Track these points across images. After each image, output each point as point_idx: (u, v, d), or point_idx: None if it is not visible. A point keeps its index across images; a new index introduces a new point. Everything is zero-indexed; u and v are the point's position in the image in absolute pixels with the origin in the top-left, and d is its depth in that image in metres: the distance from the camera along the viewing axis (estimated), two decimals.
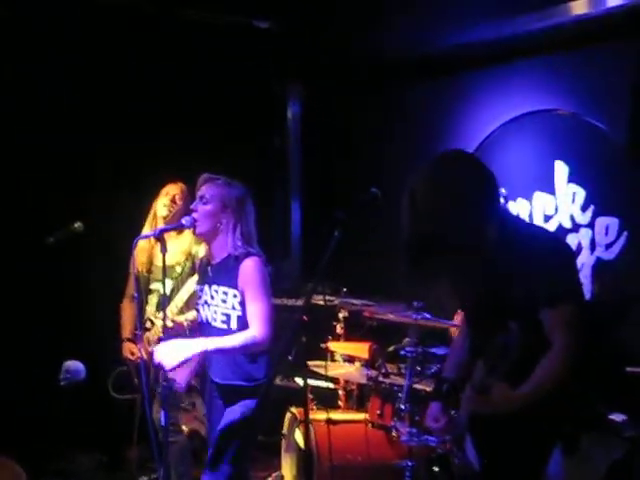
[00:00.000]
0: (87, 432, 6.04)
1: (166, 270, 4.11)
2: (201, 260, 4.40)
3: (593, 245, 5.21)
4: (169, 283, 5.04)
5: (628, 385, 4.09)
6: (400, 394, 4.77)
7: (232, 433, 3.90)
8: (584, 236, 5.25)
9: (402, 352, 4.86)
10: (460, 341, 3.53)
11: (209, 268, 4.14)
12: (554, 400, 2.90)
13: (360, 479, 4.87)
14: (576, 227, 5.31)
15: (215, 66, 6.57)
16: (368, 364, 5.29)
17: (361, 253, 6.36)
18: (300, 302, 5.86)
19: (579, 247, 5.26)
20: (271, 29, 6.66)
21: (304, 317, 3.50)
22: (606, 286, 5.14)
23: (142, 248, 5.17)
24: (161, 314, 4.66)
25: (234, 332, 3.95)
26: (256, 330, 3.88)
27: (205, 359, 4.19)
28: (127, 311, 5.27)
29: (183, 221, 4.13)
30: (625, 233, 5.02)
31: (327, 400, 5.63)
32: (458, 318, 5.08)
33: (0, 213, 5.89)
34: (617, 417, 3.98)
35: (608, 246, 5.14)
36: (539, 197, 5.54)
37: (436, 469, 4.71)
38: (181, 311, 4.96)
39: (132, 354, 5.09)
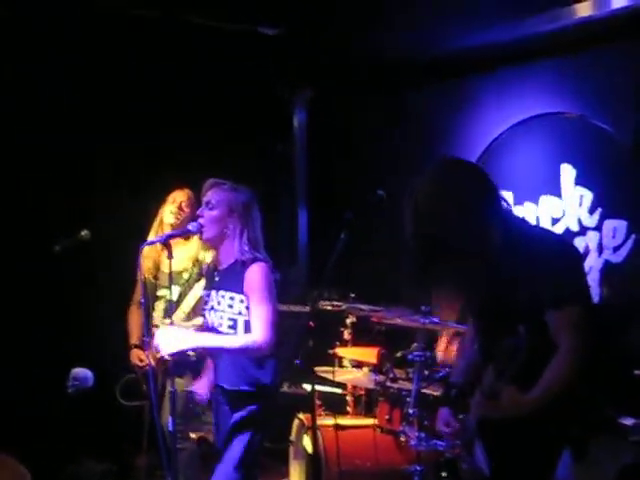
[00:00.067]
0: (96, 439, 6.02)
1: (173, 276, 4.11)
2: (208, 266, 4.40)
3: (601, 248, 5.19)
4: (176, 289, 5.04)
5: (637, 388, 4.07)
6: (408, 399, 4.76)
7: (239, 439, 3.89)
8: (592, 239, 5.24)
9: (410, 357, 4.85)
10: (467, 345, 3.52)
11: (216, 273, 4.14)
12: (562, 403, 2.89)
13: None
14: (583, 230, 5.29)
15: (216, 67, 6.56)
16: (376, 369, 5.27)
17: (368, 257, 6.37)
18: (307, 308, 5.85)
19: (587, 250, 5.24)
20: (277, 35, 6.65)
21: (311, 323, 3.51)
22: (614, 289, 5.12)
23: (148, 254, 5.16)
24: (168, 320, 4.65)
25: None
26: (257, 334, 3.88)
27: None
28: (134, 317, 5.26)
29: (190, 227, 4.13)
30: (633, 236, 5.00)
31: (335, 406, 5.61)
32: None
33: (0, 213, 5.89)
34: (627, 421, 3.96)
35: (616, 249, 5.12)
36: (546, 200, 5.52)
37: (444, 474, 4.70)
38: (188, 317, 4.96)
39: (140, 361, 5.09)
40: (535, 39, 5.29)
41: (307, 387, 5.32)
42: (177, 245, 5.03)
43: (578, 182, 5.33)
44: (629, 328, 4.50)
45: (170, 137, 6.48)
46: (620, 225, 5.09)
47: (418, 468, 4.60)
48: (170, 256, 4.00)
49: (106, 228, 5.84)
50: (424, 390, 4.77)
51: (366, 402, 5.61)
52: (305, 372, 3.55)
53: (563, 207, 5.42)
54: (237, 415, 3.97)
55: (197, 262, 5.13)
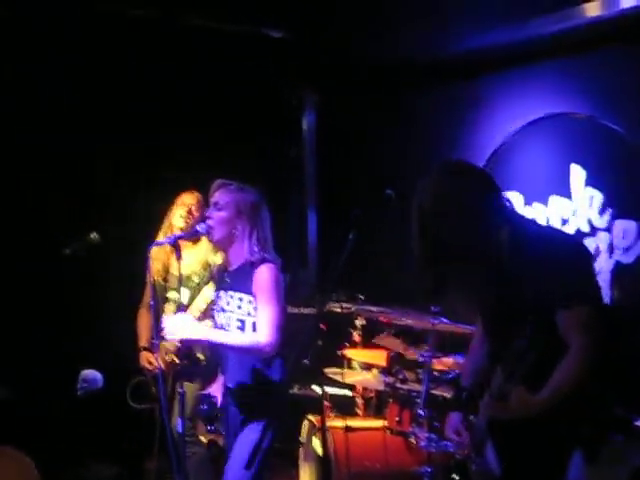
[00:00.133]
0: (106, 442, 6.02)
1: (182, 278, 4.11)
2: (218, 267, 4.40)
3: (611, 249, 5.17)
4: (186, 292, 5.04)
5: None
6: (418, 400, 4.75)
7: (248, 439, 3.88)
8: (602, 240, 5.21)
9: (419, 357, 4.84)
10: (476, 348, 3.50)
11: (226, 274, 4.14)
12: (572, 403, 2.88)
13: None
14: (594, 231, 5.27)
15: (217, 67, 6.57)
16: (386, 371, 5.26)
17: (377, 259, 6.37)
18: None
19: (597, 251, 5.22)
20: (283, 37, 6.65)
21: (322, 325, 3.51)
22: (625, 290, 5.10)
23: (157, 256, 5.16)
24: None
25: None
26: (262, 335, 3.87)
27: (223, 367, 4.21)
28: (144, 320, 5.27)
29: (198, 228, 4.12)
30: None
31: (345, 408, 5.60)
32: None
33: (0, 213, 5.89)
34: (639, 422, 3.94)
35: (626, 250, 5.10)
36: (555, 201, 5.50)
37: (455, 477, 4.68)
38: (198, 320, 4.95)
39: (149, 363, 5.09)
40: (543, 39, 5.28)
41: (317, 389, 5.33)
42: (186, 248, 5.04)
43: (588, 183, 5.31)
44: None
45: (170, 137, 6.48)
46: (630, 226, 5.06)
47: (428, 469, 4.59)
48: (179, 257, 4.00)
49: (106, 228, 5.82)
50: (434, 391, 4.76)
51: (376, 404, 5.61)
52: (314, 373, 3.55)
53: (573, 208, 5.40)
54: (246, 418, 3.98)
55: (207, 265, 5.12)
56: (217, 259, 4.88)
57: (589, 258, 3.18)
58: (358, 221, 3.30)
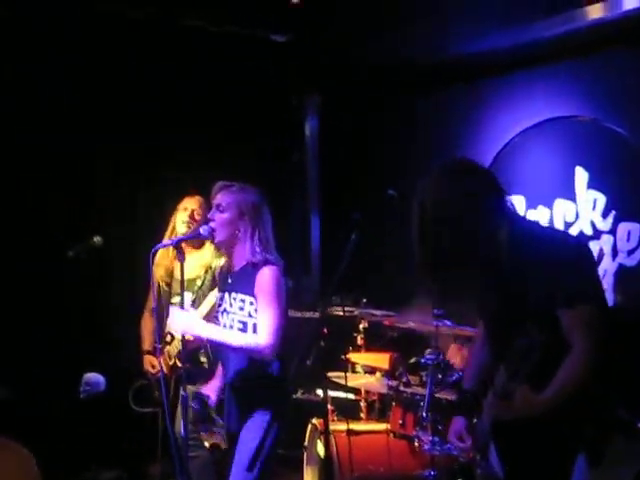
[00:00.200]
0: (108, 446, 6.01)
1: (185, 281, 4.10)
2: (221, 268, 4.39)
3: (615, 252, 5.16)
4: (190, 296, 5.03)
5: None
6: (422, 403, 4.73)
7: (251, 438, 3.86)
8: (606, 242, 5.21)
9: (423, 360, 4.83)
10: (477, 350, 3.49)
11: (229, 276, 4.14)
12: (576, 403, 2.86)
13: None
14: (597, 234, 5.26)
15: (218, 68, 6.58)
16: (389, 374, 5.25)
17: (380, 262, 6.36)
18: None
19: (601, 254, 5.21)
20: (284, 38, 6.66)
21: (324, 329, 3.50)
22: (628, 292, 5.09)
23: (160, 262, 5.15)
24: None
25: None
26: (261, 337, 3.87)
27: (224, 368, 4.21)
28: (147, 324, 5.26)
29: (201, 230, 4.12)
30: None
31: (349, 411, 5.58)
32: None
33: (0, 213, 5.88)
34: None
35: (630, 252, 5.09)
36: (560, 204, 5.49)
37: None
38: None
39: (153, 367, 5.08)
40: (547, 41, 5.27)
41: (320, 393, 5.32)
42: (190, 253, 5.04)
43: (591, 185, 5.31)
44: None
45: (170, 137, 6.47)
46: (634, 228, 5.06)
47: (432, 473, 4.57)
48: (182, 259, 3.99)
49: (107, 228, 5.82)
50: (438, 394, 4.74)
51: (379, 408, 5.59)
52: (318, 377, 3.53)
53: (577, 210, 5.39)
54: (248, 415, 3.97)
55: (210, 269, 5.11)
56: (220, 263, 4.88)
57: (591, 258, 3.17)
58: (358, 225, 3.30)
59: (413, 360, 5.29)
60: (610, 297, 5.11)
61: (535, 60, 5.54)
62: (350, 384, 5.31)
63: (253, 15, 6.36)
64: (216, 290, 4.46)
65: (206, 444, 4.61)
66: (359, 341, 5.69)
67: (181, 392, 4.00)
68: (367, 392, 5.62)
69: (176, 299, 5.11)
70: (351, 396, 5.68)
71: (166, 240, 5.12)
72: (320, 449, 5.06)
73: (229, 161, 5.87)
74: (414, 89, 6.65)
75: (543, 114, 5.61)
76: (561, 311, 2.87)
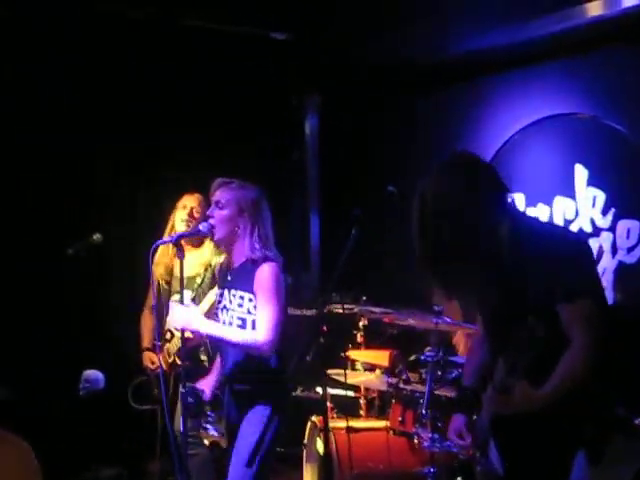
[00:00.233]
0: (107, 443, 6.01)
1: (184, 279, 4.11)
2: (221, 265, 4.39)
3: (614, 249, 5.16)
4: (189, 294, 5.03)
5: None
6: (421, 400, 4.73)
7: (251, 433, 3.87)
8: (605, 240, 5.21)
9: (422, 357, 4.82)
10: (477, 347, 3.49)
11: (228, 273, 4.14)
12: (575, 398, 2.86)
13: None
14: (597, 231, 5.26)
15: (218, 67, 6.56)
16: (389, 372, 5.25)
17: (380, 260, 6.36)
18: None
19: (600, 251, 5.21)
20: (284, 38, 6.65)
21: (323, 326, 3.50)
22: (628, 290, 5.09)
23: (160, 260, 5.14)
24: None
25: None
26: (260, 334, 3.87)
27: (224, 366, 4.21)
28: (147, 322, 5.26)
29: (200, 227, 4.12)
30: None
31: (348, 409, 5.58)
32: None
33: (0, 213, 5.88)
34: None
35: (630, 250, 5.09)
36: (559, 201, 5.49)
37: (459, 479, 4.66)
38: None
39: (152, 363, 5.08)
40: (546, 39, 5.28)
41: (320, 391, 5.31)
42: (189, 251, 5.03)
43: (591, 183, 5.31)
44: None
45: (170, 137, 6.47)
46: (634, 225, 5.06)
47: (432, 470, 4.56)
48: (181, 256, 3.99)
49: (107, 228, 5.83)
50: (437, 391, 4.74)
51: (379, 405, 5.59)
52: (317, 374, 3.53)
53: (576, 208, 5.39)
54: (248, 408, 3.98)
55: (209, 267, 5.10)
56: (220, 260, 4.88)
57: (591, 254, 3.17)
58: (358, 221, 3.30)
59: (413, 357, 5.29)
60: (610, 295, 5.11)
61: (534, 58, 5.54)
62: (350, 381, 5.30)
63: (253, 14, 6.35)
64: (216, 288, 4.46)
65: (206, 442, 4.62)
66: (359, 338, 5.69)
67: (180, 389, 4.00)
68: (367, 389, 5.62)
69: (176, 297, 5.12)
70: (351, 393, 5.67)
71: (166, 237, 5.13)
72: (320, 446, 5.06)
73: (229, 160, 5.86)
74: (414, 89, 6.64)
75: (542, 112, 5.61)
76: (560, 306, 2.87)
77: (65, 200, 6.09)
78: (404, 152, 6.71)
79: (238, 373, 4.03)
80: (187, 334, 4.32)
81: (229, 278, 4.12)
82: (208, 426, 4.23)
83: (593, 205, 5.29)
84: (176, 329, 4.16)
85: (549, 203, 5.55)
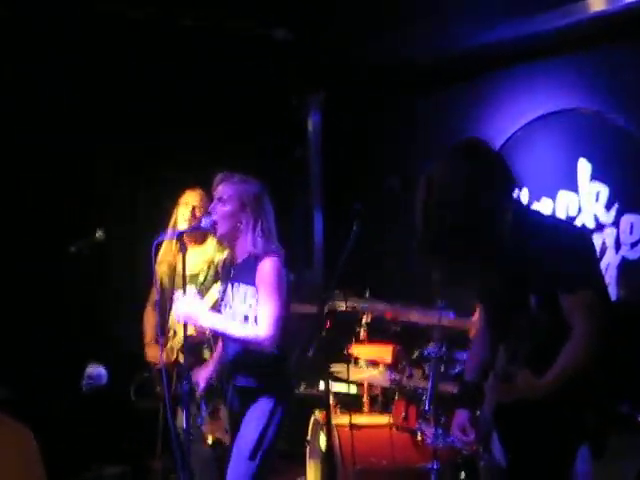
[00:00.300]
0: (110, 441, 6.01)
1: (187, 276, 4.11)
2: (224, 261, 4.39)
3: (618, 244, 5.14)
4: (193, 290, 5.01)
5: None
6: (425, 396, 4.71)
7: (254, 426, 3.86)
8: (609, 235, 5.19)
9: (425, 352, 4.81)
10: (478, 341, 3.48)
11: (232, 268, 4.14)
12: (578, 387, 2.86)
13: None
14: (600, 226, 5.24)
15: (219, 67, 6.57)
16: (392, 367, 5.23)
17: (382, 256, 6.35)
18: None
19: (604, 247, 5.19)
20: (284, 37, 6.65)
21: (326, 322, 3.49)
22: (631, 286, 5.07)
23: (163, 259, 5.14)
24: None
25: None
26: (262, 329, 3.88)
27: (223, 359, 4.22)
28: (150, 318, 5.25)
29: (202, 222, 4.13)
30: None
31: (351, 405, 5.56)
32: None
33: (0, 213, 5.89)
34: None
35: (633, 245, 5.07)
36: (563, 196, 5.48)
37: (463, 475, 4.65)
38: None
39: (156, 357, 5.06)
40: (549, 35, 5.24)
41: (323, 387, 5.30)
42: (192, 248, 5.04)
43: (594, 177, 5.29)
44: None
45: (170, 137, 6.46)
46: (637, 220, 5.04)
47: (435, 466, 4.55)
48: (184, 250, 3.99)
49: (107, 228, 5.83)
50: (440, 387, 4.72)
51: (382, 401, 5.57)
52: (320, 371, 3.53)
53: (579, 203, 5.37)
54: (250, 401, 3.97)
55: (212, 264, 5.10)
56: (223, 257, 4.87)
57: (593, 246, 3.20)
58: (359, 215, 3.30)
59: (416, 354, 5.27)
60: (613, 291, 5.10)
61: (538, 53, 5.51)
62: (353, 378, 5.30)
63: (253, 13, 6.35)
64: (219, 284, 4.46)
65: (209, 440, 4.62)
66: (362, 335, 5.67)
67: (183, 385, 3.99)
68: (370, 386, 5.60)
69: (179, 294, 5.11)
70: (354, 390, 5.67)
71: (169, 232, 5.12)
72: (323, 443, 5.05)
73: (230, 160, 5.87)
74: (415, 85, 6.63)
75: (546, 107, 5.59)
76: (563, 297, 2.87)
77: (65, 200, 6.09)
78: (406, 149, 6.71)
79: (239, 366, 4.03)
80: (190, 331, 4.33)
81: (232, 273, 4.12)
82: (198, 418, 4.25)
83: (596, 200, 5.27)
84: (179, 321, 4.13)
85: (552, 197, 5.53)
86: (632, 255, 5.08)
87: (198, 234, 5.10)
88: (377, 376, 5.34)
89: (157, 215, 5.32)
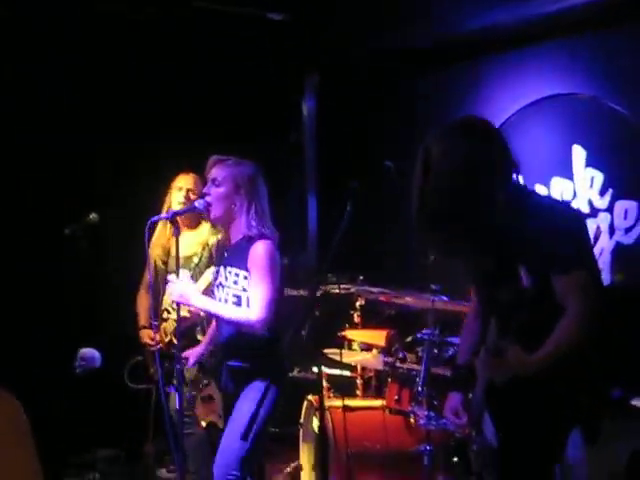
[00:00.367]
0: (103, 425, 6.01)
1: (181, 258, 4.11)
2: (218, 243, 4.40)
3: (612, 229, 5.14)
4: (187, 274, 5.01)
5: None
6: (418, 379, 4.72)
7: (246, 407, 3.87)
8: (603, 220, 5.18)
9: (419, 335, 4.82)
10: (471, 323, 3.48)
11: (225, 250, 4.14)
12: (570, 366, 2.86)
13: (378, 466, 4.80)
14: (595, 212, 5.24)
15: (219, 65, 6.58)
16: (385, 351, 5.24)
17: (377, 239, 6.35)
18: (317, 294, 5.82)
19: (598, 232, 5.19)
20: (283, 20, 6.63)
21: (318, 305, 3.49)
22: (626, 270, 5.08)
23: (157, 242, 5.15)
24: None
25: None
26: (254, 312, 3.89)
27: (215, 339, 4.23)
28: (143, 301, 5.25)
29: (196, 204, 4.12)
30: None
31: (345, 389, 5.57)
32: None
33: (0, 213, 5.87)
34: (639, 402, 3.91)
35: (627, 230, 5.07)
36: (557, 182, 5.47)
37: (455, 459, 4.66)
38: None
39: (151, 339, 5.07)
40: (544, 18, 5.21)
41: (317, 370, 5.30)
42: (187, 231, 5.04)
43: (589, 163, 5.28)
44: None
45: (170, 137, 6.43)
46: (631, 206, 5.04)
47: (428, 448, 4.56)
48: (177, 233, 3.99)
49: (105, 228, 5.82)
50: (433, 370, 4.73)
51: (376, 385, 5.58)
52: (314, 354, 3.53)
53: (574, 189, 5.37)
54: (244, 383, 3.98)
55: (207, 246, 5.11)
56: (218, 238, 4.88)
57: (585, 225, 3.19)
58: (355, 194, 3.29)
59: (410, 338, 5.28)
60: (607, 276, 5.11)
61: (533, 38, 5.47)
62: (346, 360, 5.31)
63: None
64: (212, 267, 4.46)
65: (203, 423, 4.63)
66: (356, 319, 5.68)
67: (176, 367, 4.00)
68: (363, 369, 5.61)
69: (172, 276, 5.10)
70: (347, 373, 5.67)
71: (162, 225, 5.12)
72: (316, 425, 5.06)
73: (228, 146, 5.87)
74: (411, 69, 6.61)
75: (542, 92, 5.57)
76: (557, 278, 2.87)
77: (65, 200, 6.08)
78: (401, 133, 6.68)
79: (232, 348, 4.04)
80: (183, 313, 4.33)
81: (225, 255, 4.12)
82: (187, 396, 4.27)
83: (591, 186, 5.26)
84: (172, 303, 4.14)
85: (547, 184, 5.52)
86: (626, 240, 5.08)
87: (192, 218, 5.11)
88: (370, 359, 5.35)
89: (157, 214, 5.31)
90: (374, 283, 5.42)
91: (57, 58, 6.01)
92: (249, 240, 3.97)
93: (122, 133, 6.33)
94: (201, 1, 6.27)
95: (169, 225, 4.91)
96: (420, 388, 4.64)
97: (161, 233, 5.16)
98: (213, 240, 5.01)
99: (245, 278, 3.96)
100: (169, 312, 5.02)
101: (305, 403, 5.27)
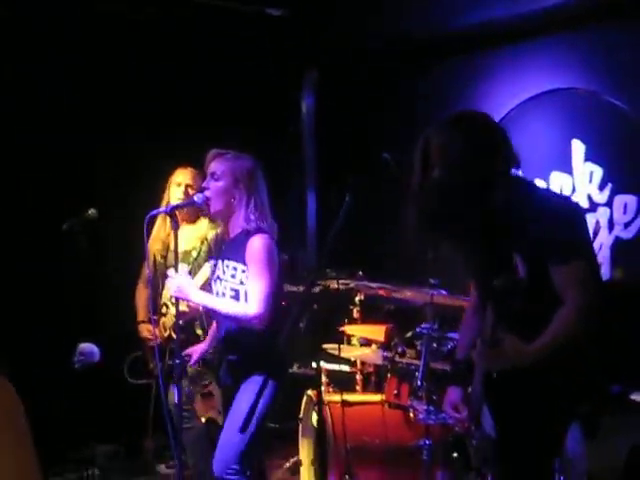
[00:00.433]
0: (103, 420, 6.01)
1: (180, 252, 4.11)
2: (217, 236, 4.39)
3: (611, 224, 5.15)
4: (186, 268, 5.01)
5: None
6: (417, 373, 4.71)
7: (245, 400, 3.86)
8: (602, 215, 5.20)
9: (418, 330, 4.81)
10: (469, 318, 3.48)
11: (223, 244, 4.13)
12: (568, 357, 2.85)
13: (377, 461, 4.79)
14: (594, 206, 5.25)
15: (219, 64, 6.60)
16: (385, 346, 5.23)
17: (374, 234, 6.34)
18: (316, 289, 5.81)
19: (597, 227, 5.20)
20: (283, 16, 6.63)
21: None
22: (625, 265, 5.08)
23: (156, 237, 5.14)
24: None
25: None
26: (251, 307, 3.88)
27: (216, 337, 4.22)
28: (142, 296, 5.24)
29: (195, 198, 4.12)
30: None
31: (344, 384, 5.57)
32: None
33: (0, 213, 5.87)
34: (638, 397, 3.91)
35: (627, 225, 5.08)
36: (556, 177, 5.47)
37: (455, 454, 4.65)
38: None
39: (150, 334, 5.06)
40: (544, 13, 5.23)
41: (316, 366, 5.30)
42: (186, 225, 5.04)
43: (588, 158, 5.28)
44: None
45: (170, 137, 6.42)
46: (631, 200, 5.05)
47: (427, 442, 4.55)
48: (176, 227, 3.99)
49: (105, 228, 5.82)
50: (433, 364, 4.72)
51: (375, 381, 5.58)
52: (313, 349, 3.53)
53: (573, 184, 5.37)
54: (243, 377, 3.97)
55: (205, 241, 5.10)
56: (217, 232, 4.88)
57: (584, 218, 3.19)
58: (355, 186, 3.29)
59: (409, 334, 5.27)
60: (606, 270, 5.11)
61: (533, 32, 5.49)
62: (345, 355, 5.30)
63: None
64: (210, 261, 4.46)
65: (202, 419, 4.63)
66: (355, 314, 5.68)
67: (175, 361, 3.99)
68: (363, 365, 5.60)
69: (172, 271, 5.10)
70: (346, 368, 5.67)
71: (161, 219, 5.12)
72: (315, 420, 5.06)
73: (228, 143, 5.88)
74: (410, 64, 6.61)
75: (542, 86, 5.57)
76: (556, 269, 2.86)
77: (65, 200, 6.07)
78: (401, 130, 6.67)
79: (231, 343, 4.03)
80: (182, 307, 4.33)
81: (223, 249, 4.12)
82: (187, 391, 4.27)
83: (590, 181, 5.27)
84: (171, 298, 4.14)
85: (546, 179, 5.52)
86: (625, 235, 5.09)
87: (191, 212, 5.10)
88: (370, 354, 5.34)
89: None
90: (373, 278, 5.42)
91: (57, 58, 6.02)
92: (247, 234, 3.96)
93: (122, 133, 6.34)
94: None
95: (168, 219, 4.90)
96: (419, 383, 4.62)
97: (160, 228, 5.15)
98: (212, 234, 5.01)
99: (243, 272, 3.95)
100: (168, 307, 5.01)
101: (304, 398, 5.25)
